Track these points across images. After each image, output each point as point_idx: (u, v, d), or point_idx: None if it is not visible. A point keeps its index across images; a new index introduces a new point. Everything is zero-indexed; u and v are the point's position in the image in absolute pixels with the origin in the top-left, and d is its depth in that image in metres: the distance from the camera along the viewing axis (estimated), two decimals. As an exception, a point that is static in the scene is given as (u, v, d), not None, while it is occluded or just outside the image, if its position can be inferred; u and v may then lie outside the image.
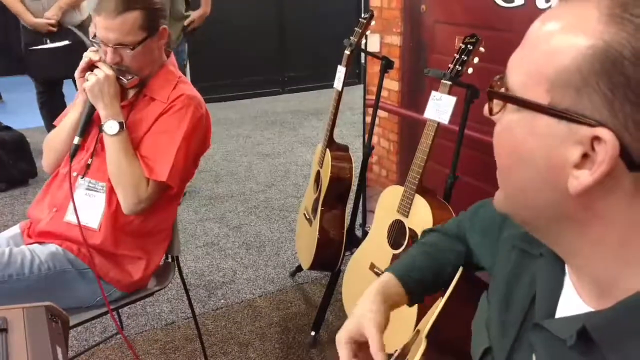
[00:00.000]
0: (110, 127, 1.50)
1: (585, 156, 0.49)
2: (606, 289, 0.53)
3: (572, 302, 0.58)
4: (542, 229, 0.58)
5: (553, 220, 0.55)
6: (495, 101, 0.57)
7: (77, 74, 1.56)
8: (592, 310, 0.55)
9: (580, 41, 0.48)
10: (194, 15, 3.34)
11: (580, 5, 0.50)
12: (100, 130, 1.53)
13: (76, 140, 1.52)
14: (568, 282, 0.60)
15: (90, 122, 1.55)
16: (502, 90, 0.55)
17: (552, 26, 0.52)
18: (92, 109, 1.54)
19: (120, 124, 1.51)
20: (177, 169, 1.55)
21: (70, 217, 1.55)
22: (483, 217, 0.92)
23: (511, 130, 0.54)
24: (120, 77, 1.54)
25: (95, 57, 1.54)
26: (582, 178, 0.49)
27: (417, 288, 0.92)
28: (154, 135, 1.56)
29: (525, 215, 0.59)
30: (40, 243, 1.57)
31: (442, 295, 0.93)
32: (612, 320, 0.51)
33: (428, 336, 0.85)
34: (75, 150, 1.52)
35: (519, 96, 0.53)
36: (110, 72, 1.51)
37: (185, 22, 3.26)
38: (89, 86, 1.49)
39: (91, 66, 1.54)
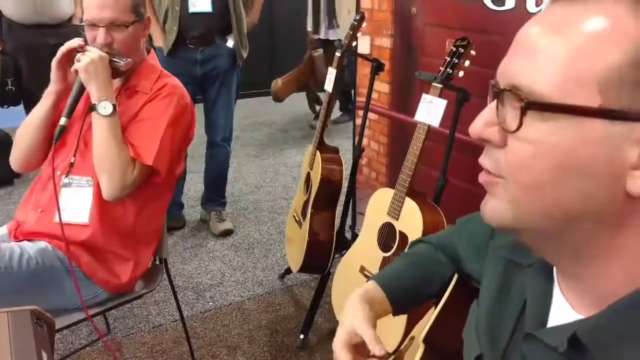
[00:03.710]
0: (104, 107, 1.47)
1: None
2: (603, 298, 0.53)
3: (563, 312, 0.57)
4: (560, 241, 0.54)
5: (583, 230, 0.52)
6: (514, 113, 0.51)
7: (54, 63, 1.53)
8: (584, 318, 0.54)
9: (623, 38, 0.47)
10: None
11: (598, 4, 0.49)
12: (90, 110, 1.49)
13: (62, 121, 1.48)
14: (557, 292, 0.59)
15: (78, 102, 1.52)
16: (523, 99, 0.50)
17: (573, 26, 0.49)
18: (81, 90, 1.50)
19: (114, 105, 1.49)
20: (163, 153, 1.54)
21: (58, 217, 1.53)
22: (472, 228, 0.91)
23: (554, 144, 0.49)
24: (115, 59, 1.52)
25: (73, 44, 1.51)
26: None
27: (400, 297, 0.92)
28: (138, 122, 1.56)
29: (548, 230, 0.53)
30: (29, 240, 1.55)
31: (436, 303, 0.93)
32: (601, 325, 0.51)
33: (425, 340, 0.85)
34: (60, 132, 1.47)
35: (568, 103, 0.48)
36: (103, 54, 1.49)
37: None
38: (84, 65, 1.45)
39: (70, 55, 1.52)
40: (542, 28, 0.51)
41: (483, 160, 0.56)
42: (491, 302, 0.69)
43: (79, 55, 1.49)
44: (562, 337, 0.53)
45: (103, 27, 1.50)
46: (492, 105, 0.55)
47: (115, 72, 1.53)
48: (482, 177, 0.57)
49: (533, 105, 0.50)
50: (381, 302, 0.90)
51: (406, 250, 1.02)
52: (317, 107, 4.80)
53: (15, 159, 1.65)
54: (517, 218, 0.54)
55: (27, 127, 1.61)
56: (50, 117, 1.59)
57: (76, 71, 1.49)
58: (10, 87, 3.46)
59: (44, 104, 1.58)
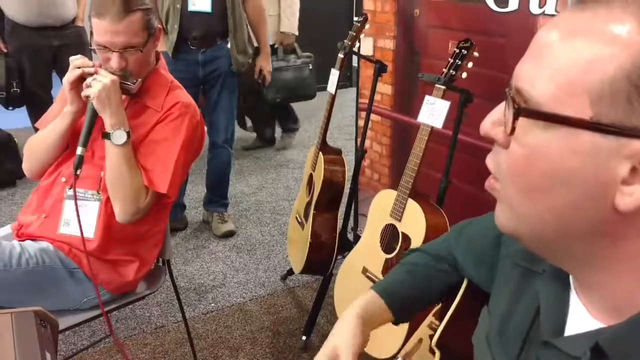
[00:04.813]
0: (119, 136, 1.45)
1: (633, 170, 0.46)
2: (620, 305, 0.52)
3: (581, 319, 0.56)
4: (561, 248, 0.54)
5: (581, 239, 0.52)
6: (511, 118, 0.51)
7: (67, 85, 1.49)
8: (604, 326, 0.53)
9: (623, 49, 0.46)
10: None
11: (606, 14, 0.47)
12: (105, 138, 1.46)
13: (80, 151, 1.43)
14: (574, 298, 0.58)
15: (93, 129, 1.48)
16: (522, 104, 0.50)
17: (578, 34, 0.48)
18: (94, 117, 1.47)
19: (128, 133, 1.46)
20: (176, 179, 1.54)
21: (64, 229, 1.52)
22: (471, 235, 0.91)
23: (545, 151, 0.49)
24: (125, 82, 1.49)
25: (89, 69, 1.47)
26: (638, 194, 0.46)
27: (401, 305, 0.91)
28: (151, 144, 1.54)
29: (546, 236, 0.54)
30: (32, 240, 1.55)
31: (443, 305, 0.92)
32: (625, 334, 0.50)
33: (438, 345, 0.84)
34: (79, 162, 1.43)
35: (559, 113, 0.48)
36: (114, 77, 1.46)
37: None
38: (96, 93, 1.42)
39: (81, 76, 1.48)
40: (552, 34, 0.51)
41: (488, 160, 0.57)
42: (504, 308, 0.69)
43: (89, 80, 1.45)
44: (584, 346, 0.52)
45: (116, 52, 1.46)
46: (502, 105, 0.55)
47: (124, 92, 1.51)
48: (486, 183, 0.58)
49: (523, 112, 0.50)
50: (381, 313, 0.90)
51: (402, 259, 1.01)
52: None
53: (30, 170, 1.64)
54: (517, 223, 0.55)
55: (42, 142, 1.59)
56: (66, 136, 1.56)
57: (87, 96, 1.45)
58: (15, 89, 3.47)
59: (62, 123, 1.54)
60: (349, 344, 0.81)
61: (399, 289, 0.93)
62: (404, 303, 0.92)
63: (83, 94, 1.47)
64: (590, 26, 0.48)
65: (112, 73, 1.47)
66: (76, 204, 1.44)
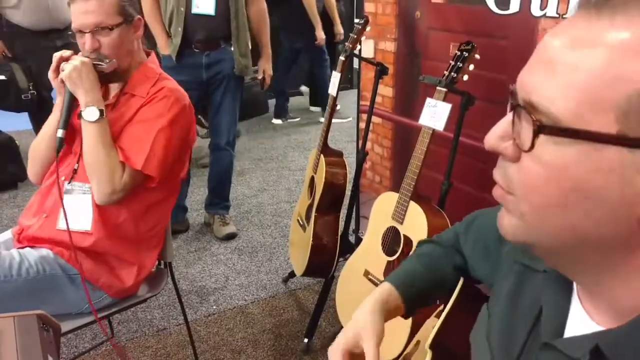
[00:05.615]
0: (91, 113, 1.47)
1: None
2: (625, 310, 0.52)
3: (582, 322, 0.56)
4: (574, 258, 0.53)
5: (598, 251, 0.50)
6: (528, 132, 0.49)
7: (50, 74, 1.53)
8: (604, 329, 0.53)
9: None
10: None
11: (625, 21, 0.45)
12: (79, 117, 1.49)
13: (60, 133, 1.47)
14: (576, 301, 0.58)
15: (71, 112, 1.52)
16: (541, 119, 0.48)
17: (596, 45, 0.46)
18: (70, 99, 1.50)
19: (101, 111, 1.48)
20: (155, 158, 1.52)
21: (62, 224, 1.53)
22: (478, 229, 0.91)
23: (566, 168, 0.47)
24: (98, 62, 1.52)
25: (65, 55, 1.52)
26: None
27: (415, 299, 0.91)
28: (132, 125, 1.56)
29: (560, 249, 0.52)
30: (31, 247, 1.55)
31: (443, 305, 0.92)
32: (625, 337, 0.50)
33: (432, 347, 0.84)
34: (60, 144, 1.47)
35: (584, 128, 0.46)
36: (85, 59, 1.49)
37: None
38: (67, 73, 1.46)
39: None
40: (564, 42, 0.48)
41: (496, 174, 0.55)
42: (505, 307, 0.69)
43: (63, 64, 1.49)
44: (584, 348, 0.51)
45: (89, 32, 1.49)
46: (508, 118, 0.52)
47: (103, 76, 1.53)
48: (496, 192, 0.56)
49: (546, 129, 0.48)
50: (396, 305, 0.89)
51: (414, 251, 1.01)
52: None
53: (35, 174, 1.65)
54: (529, 235, 0.53)
55: (41, 141, 1.61)
56: None
57: (62, 80, 1.49)
58: (32, 91, 3.50)
59: (55, 116, 1.57)
60: (372, 330, 0.80)
61: (415, 281, 0.92)
62: (417, 296, 0.91)
63: (59, 77, 1.50)
64: (608, 36, 0.46)
65: (87, 56, 1.50)
66: (60, 192, 1.47)
